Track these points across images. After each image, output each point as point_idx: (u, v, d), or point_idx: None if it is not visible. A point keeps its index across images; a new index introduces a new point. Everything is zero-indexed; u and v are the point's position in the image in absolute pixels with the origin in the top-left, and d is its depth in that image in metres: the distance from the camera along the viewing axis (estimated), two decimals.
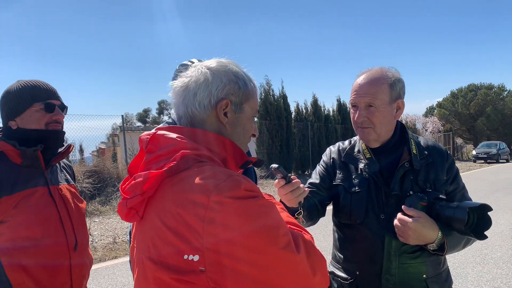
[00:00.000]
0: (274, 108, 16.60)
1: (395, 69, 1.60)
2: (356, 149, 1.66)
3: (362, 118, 1.53)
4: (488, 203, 1.34)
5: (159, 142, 0.93)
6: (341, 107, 21.95)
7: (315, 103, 19.27)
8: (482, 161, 27.37)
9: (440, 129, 34.11)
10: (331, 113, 21.18)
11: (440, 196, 1.48)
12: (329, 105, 26.93)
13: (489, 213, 1.34)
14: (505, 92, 46.21)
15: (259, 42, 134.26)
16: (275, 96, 17.06)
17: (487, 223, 1.34)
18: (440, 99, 49.19)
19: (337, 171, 1.67)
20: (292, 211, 1.42)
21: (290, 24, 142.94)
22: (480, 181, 14.68)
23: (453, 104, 45.70)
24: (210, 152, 0.93)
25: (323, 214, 1.70)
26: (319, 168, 1.76)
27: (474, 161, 27.84)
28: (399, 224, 1.40)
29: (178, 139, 0.92)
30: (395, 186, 1.52)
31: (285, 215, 1.02)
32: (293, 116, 17.98)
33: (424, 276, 1.50)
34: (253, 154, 16.87)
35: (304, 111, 18.98)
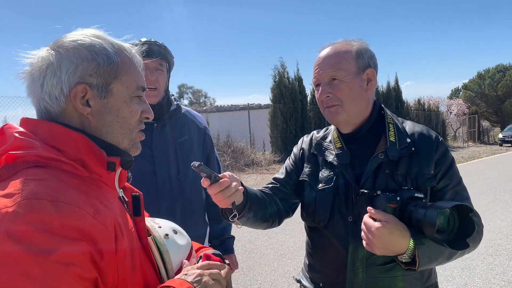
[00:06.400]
0: (289, 91, 16.28)
1: (362, 40, 1.39)
2: (328, 139, 1.45)
3: (326, 94, 1.31)
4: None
5: (5, 137, 0.78)
6: None
7: None
8: (509, 145, 26.30)
9: (465, 112, 32.98)
10: None
11: (416, 195, 1.18)
12: None
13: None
14: None
15: (272, 23, 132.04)
16: (290, 79, 16.70)
17: (469, 228, 1.07)
18: (466, 81, 47.85)
19: (305, 165, 1.46)
20: (227, 213, 1.28)
21: (305, 3, 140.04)
22: (506, 165, 14.04)
23: (479, 86, 44.20)
24: (57, 152, 0.76)
25: (286, 214, 1.51)
26: (287, 161, 1.56)
27: (500, 145, 26.88)
28: (365, 230, 1.16)
29: (17, 135, 0.76)
30: (366, 182, 1.28)
31: None
32: (308, 99, 17.51)
33: None
34: (267, 139, 16.64)
35: None
